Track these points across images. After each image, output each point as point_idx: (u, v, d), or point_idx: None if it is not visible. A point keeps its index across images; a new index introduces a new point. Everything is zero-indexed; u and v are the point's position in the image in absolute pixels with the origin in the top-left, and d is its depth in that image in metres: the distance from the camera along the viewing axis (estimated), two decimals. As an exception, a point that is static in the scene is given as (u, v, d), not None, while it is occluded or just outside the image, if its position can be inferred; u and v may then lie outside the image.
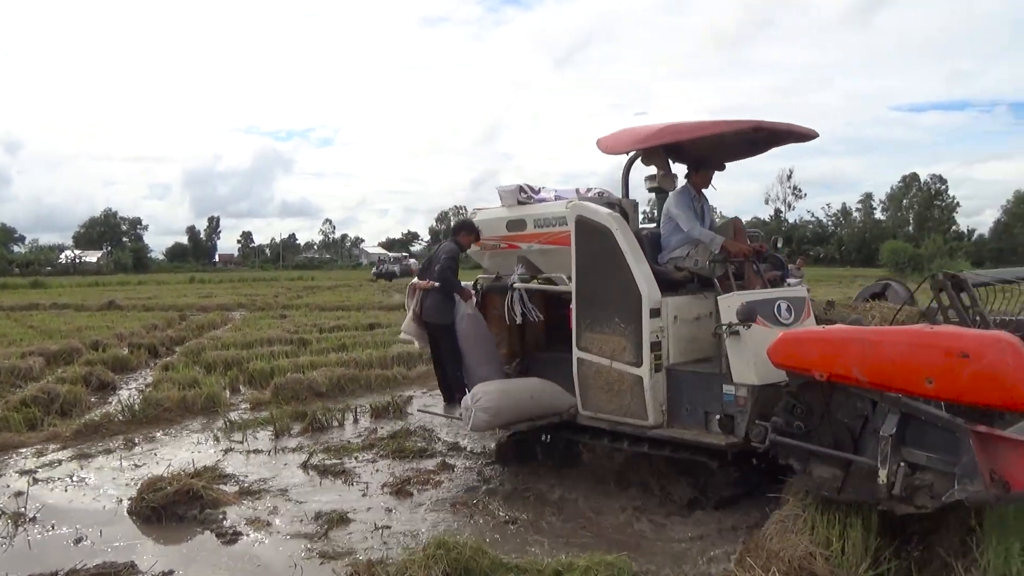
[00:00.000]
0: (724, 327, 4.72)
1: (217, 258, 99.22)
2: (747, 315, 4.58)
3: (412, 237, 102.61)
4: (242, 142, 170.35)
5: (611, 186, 6.19)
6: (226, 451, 7.05)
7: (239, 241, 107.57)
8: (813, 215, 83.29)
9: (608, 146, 5.70)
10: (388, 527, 5.02)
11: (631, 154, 5.77)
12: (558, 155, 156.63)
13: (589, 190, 6.14)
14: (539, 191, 6.45)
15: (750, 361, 4.69)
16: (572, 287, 5.57)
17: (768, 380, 4.70)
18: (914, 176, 78.99)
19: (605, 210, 5.40)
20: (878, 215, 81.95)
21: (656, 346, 5.10)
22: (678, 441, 5.01)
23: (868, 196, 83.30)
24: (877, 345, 3.79)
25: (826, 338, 4.05)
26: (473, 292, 6.27)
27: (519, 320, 6.13)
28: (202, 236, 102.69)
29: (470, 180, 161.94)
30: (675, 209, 5.51)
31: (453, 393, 6.44)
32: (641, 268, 5.16)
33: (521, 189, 6.39)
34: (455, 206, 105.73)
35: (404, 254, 58.44)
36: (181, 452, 7.02)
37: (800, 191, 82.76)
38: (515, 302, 6.13)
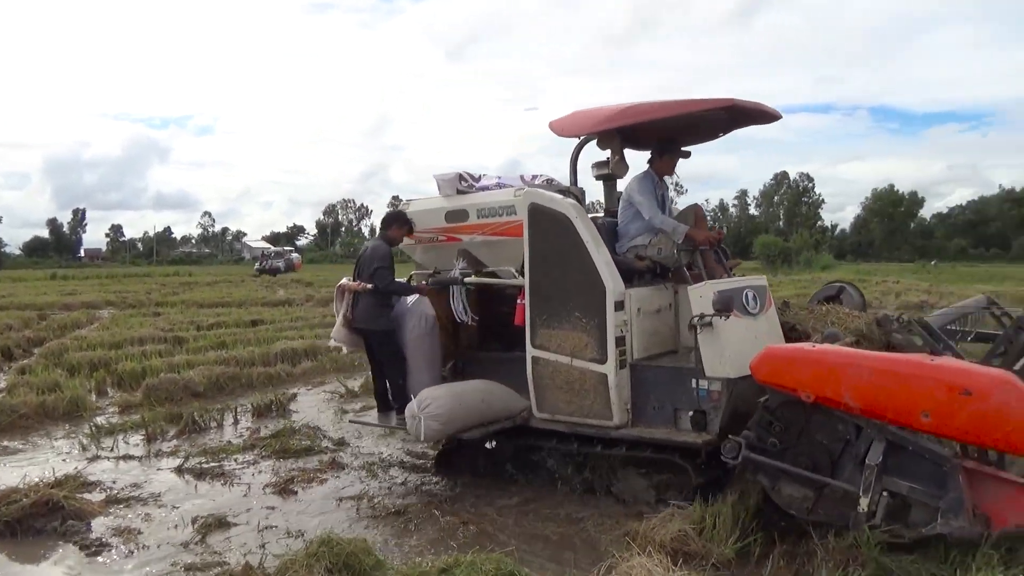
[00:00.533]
0: (697, 319, 4.48)
1: (83, 253, 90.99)
2: (725, 305, 4.36)
3: (298, 231, 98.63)
4: (111, 129, 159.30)
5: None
6: (93, 458, 6.38)
7: (108, 235, 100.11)
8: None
9: (563, 128, 5.35)
10: (271, 527, 4.75)
11: (582, 138, 5.45)
12: (448, 148, 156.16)
13: (535, 177, 5.77)
14: (479, 178, 6.01)
15: (725, 353, 4.48)
16: (525, 281, 5.18)
17: (743, 373, 4.50)
18: (784, 174, 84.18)
19: (562, 197, 5.05)
20: (752, 211, 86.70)
21: (620, 341, 4.81)
22: (648, 441, 4.73)
23: (743, 192, 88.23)
24: (874, 372, 3.63)
25: (819, 359, 3.84)
26: (427, 287, 5.76)
27: (467, 319, 5.69)
28: (65, 229, 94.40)
29: (359, 172, 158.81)
30: (638, 195, 5.23)
31: (390, 401, 5.91)
32: (603, 258, 4.85)
33: (461, 177, 5.91)
34: (343, 199, 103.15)
35: (289, 248, 55.68)
36: (40, 461, 6.28)
37: (682, 187, 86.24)
38: (459, 299, 5.69)
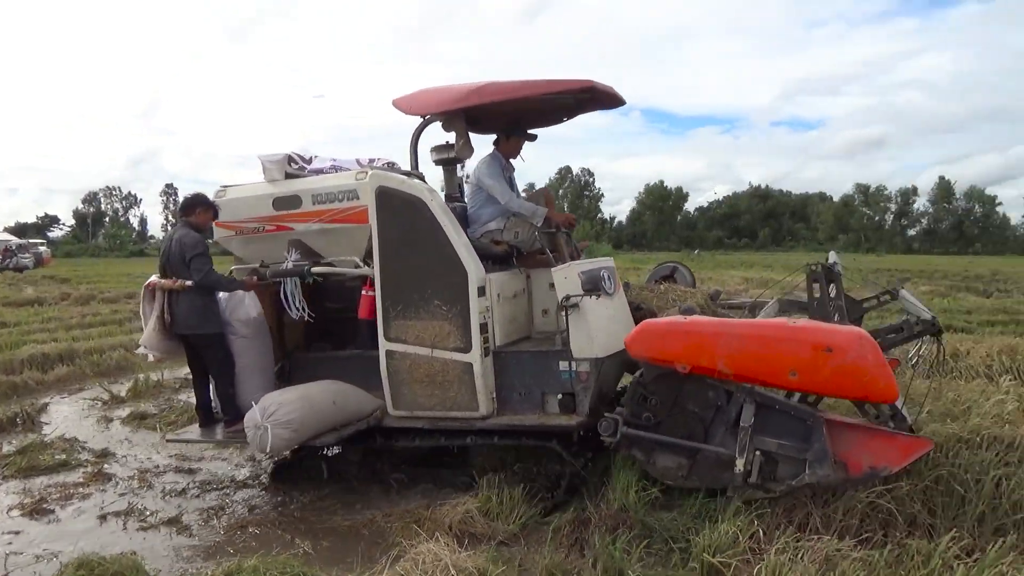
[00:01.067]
0: (564, 300, 4.40)
1: None
2: (594, 284, 4.33)
3: (51, 221, 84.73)
4: None
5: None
6: None
7: None
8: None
9: (412, 106, 4.99)
10: (16, 554, 4.22)
11: (426, 119, 5.14)
12: (229, 134, 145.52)
13: (372, 160, 5.38)
14: (311, 160, 5.47)
15: (591, 333, 4.45)
16: (375, 271, 4.80)
17: (609, 351, 4.51)
18: (568, 168, 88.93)
19: (415, 180, 4.73)
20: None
21: (484, 328, 4.60)
22: (520, 430, 4.57)
23: (531, 186, 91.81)
24: (744, 339, 3.80)
25: (692, 331, 3.96)
26: (254, 281, 5.13)
27: (304, 315, 5.16)
28: None
29: (127, 157, 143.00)
30: (488, 179, 5.03)
31: (214, 414, 5.24)
32: (463, 242, 4.61)
33: (291, 159, 5.34)
34: (107, 186, 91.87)
35: (38, 241, 47.96)
36: None
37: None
38: (293, 294, 5.15)
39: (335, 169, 5.34)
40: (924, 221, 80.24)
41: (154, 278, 5.04)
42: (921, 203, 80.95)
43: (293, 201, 5.16)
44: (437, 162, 5.66)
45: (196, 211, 5.14)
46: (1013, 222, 78.70)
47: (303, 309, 5.15)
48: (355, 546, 4.12)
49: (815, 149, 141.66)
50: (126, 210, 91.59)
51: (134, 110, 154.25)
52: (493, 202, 5.06)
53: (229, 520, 4.67)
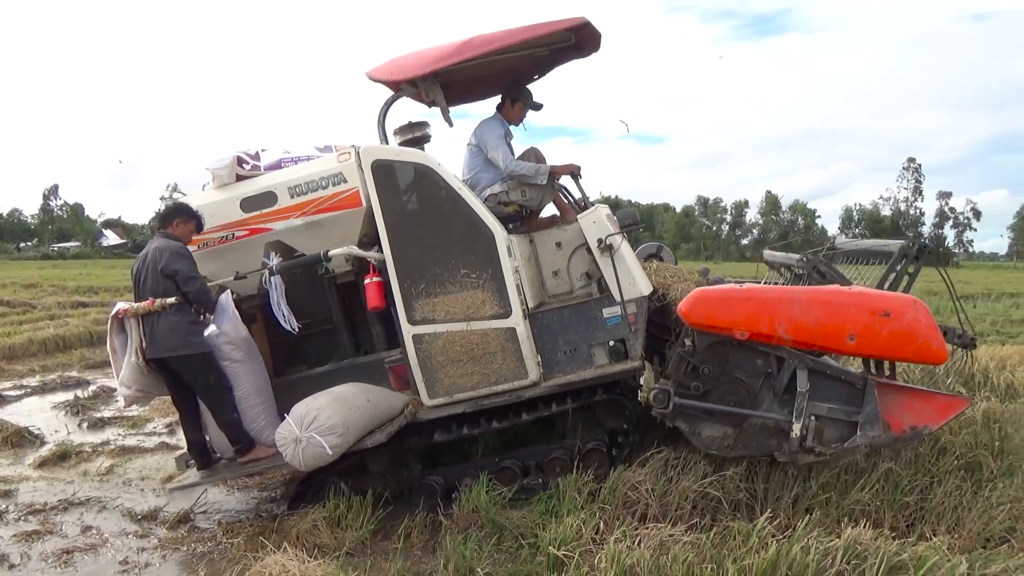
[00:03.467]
0: (601, 241, 4.28)
1: None
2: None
3: None
4: None
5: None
6: None
7: None
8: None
9: (391, 73, 4.60)
10: None
11: (399, 90, 4.81)
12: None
13: (327, 147, 4.96)
14: (258, 155, 4.94)
15: (633, 272, 4.36)
16: (384, 253, 4.41)
17: (651, 289, 4.43)
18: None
19: (414, 149, 4.42)
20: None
21: (519, 289, 4.36)
22: (579, 387, 4.35)
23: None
24: (805, 304, 3.85)
25: (752, 297, 3.97)
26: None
27: (293, 326, 4.60)
28: None
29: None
30: (492, 141, 4.74)
31: (211, 451, 4.56)
32: (480, 204, 4.35)
33: (240, 160, 4.81)
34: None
35: None
36: None
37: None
38: (280, 301, 4.59)
39: (294, 161, 4.88)
40: (755, 232, 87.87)
41: (122, 305, 4.30)
42: (752, 215, 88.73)
43: (266, 199, 4.64)
44: (403, 143, 5.32)
45: (175, 222, 4.48)
46: (831, 232, 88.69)
47: (291, 318, 4.59)
48: (196, 566, 4.01)
49: (662, 162, 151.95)
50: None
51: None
52: (492, 166, 4.82)
53: (60, 544, 4.39)
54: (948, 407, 3.88)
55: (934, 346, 3.75)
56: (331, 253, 4.35)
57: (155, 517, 4.65)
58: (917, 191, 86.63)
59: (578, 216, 4.47)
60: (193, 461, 4.75)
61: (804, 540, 3.29)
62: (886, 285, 4.40)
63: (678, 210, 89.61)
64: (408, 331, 4.40)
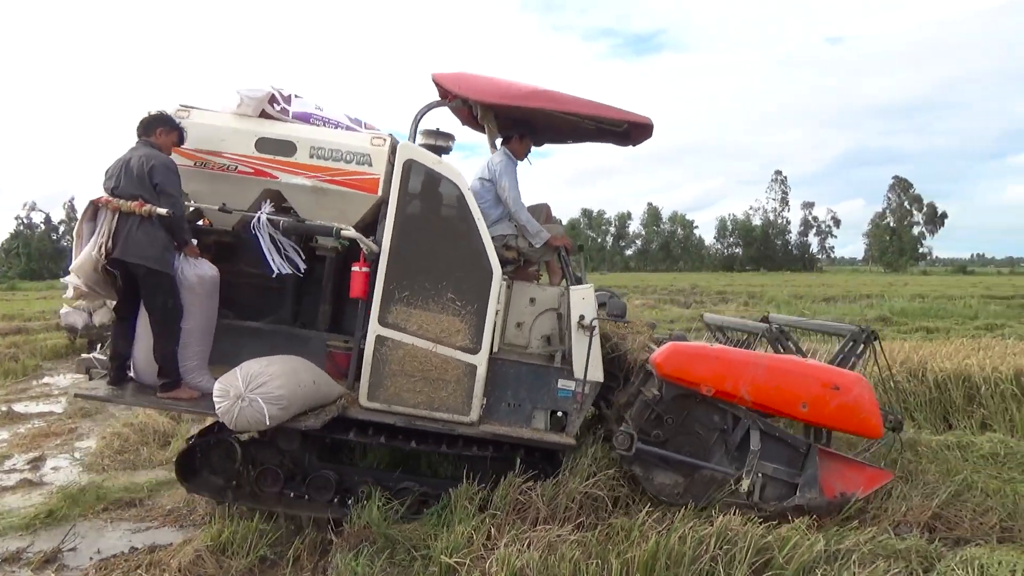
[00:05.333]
0: (587, 321, 4.47)
1: None
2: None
3: None
4: None
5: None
6: None
7: None
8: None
9: (458, 86, 4.63)
10: None
11: (461, 102, 4.85)
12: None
13: (356, 120, 4.93)
14: (290, 98, 4.83)
15: (595, 358, 4.55)
16: (383, 246, 4.41)
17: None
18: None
19: (450, 163, 4.47)
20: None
21: (494, 331, 4.47)
22: (512, 442, 4.46)
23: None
24: (767, 370, 4.28)
25: (721, 358, 4.32)
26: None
27: (296, 268, 4.49)
28: None
29: None
30: (507, 180, 4.84)
31: (131, 371, 4.33)
32: (489, 240, 4.45)
33: (272, 98, 4.70)
34: None
35: None
36: None
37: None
38: (274, 246, 4.47)
39: (323, 121, 4.81)
40: (638, 243, 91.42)
41: (105, 195, 4.05)
42: (635, 226, 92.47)
43: (285, 147, 4.55)
44: (424, 146, 5.35)
45: (157, 131, 4.30)
46: (707, 243, 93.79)
47: (283, 262, 4.46)
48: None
49: (546, 176, 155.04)
50: None
51: None
52: (500, 204, 4.93)
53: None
54: (875, 478, 4.37)
55: (873, 421, 4.24)
56: (343, 233, 4.30)
57: (18, 559, 4.12)
58: (784, 202, 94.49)
59: (571, 287, 4.64)
60: (97, 369, 4.50)
61: (681, 530, 3.60)
62: (837, 361, 4.83)
63: (564, 222, 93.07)
64: (374, 329, 4.39)
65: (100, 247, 3.96)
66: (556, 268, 5.21)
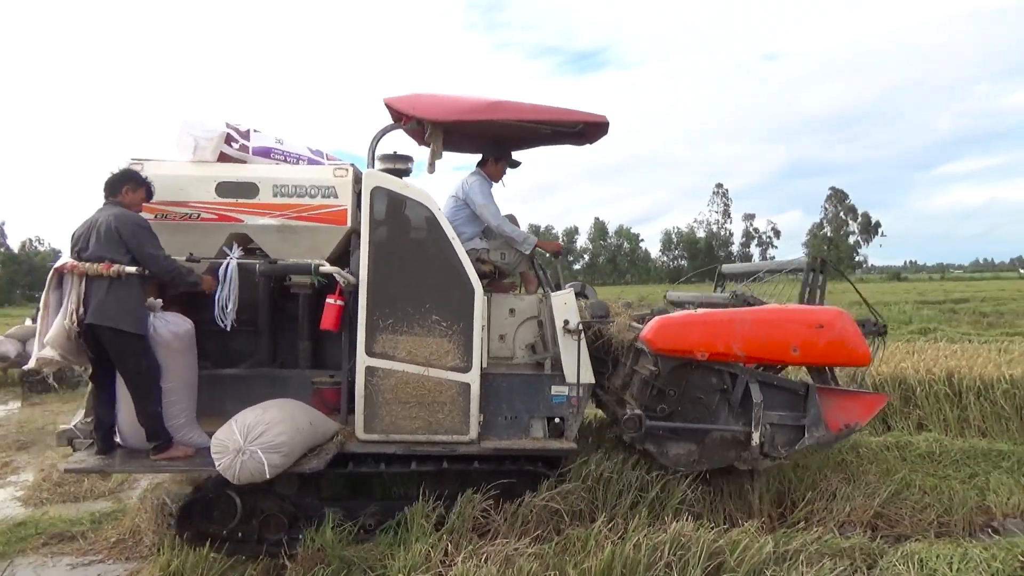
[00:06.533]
0: (574, 325, 4.51)
1: None
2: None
3: None
4: None
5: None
6: None
7: None
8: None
9: (412, 107, 4.60)
10: None
11: (408, 124, 4.82)
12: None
13: (317, 152, 4.90)
14: (247, 133, 4.73)
15: (584, 360, 4.60)
16: (360, 278, 4.37)
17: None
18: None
19: (418, 186, 4.45)
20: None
21: (483, 347, 4.48)
22: (516, 454, 4.46)
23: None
24: (752, 324, 4.40)
25: (708, 321, 4.44)
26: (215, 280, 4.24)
27: (227, 323, 4.36)
28: None
29: None
30: (480, 198, 4.88)
31: (116, 439, 4.20)
32: (466, 257, 4.45)
33: (229, 138, 4.60)
34: None
35: None
36: None
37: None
38: (231, 293, 4.37)
39: (284, 156, 4.75)
40: (586, 256, 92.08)
41: (68, 260, 3.91)
42: (582, 240, 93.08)
43: (247, 189, 4.48)
44: (383, 171, 5.30)
45: (124, 189, 4.18)
46: (653, 255, 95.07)
47: (229, 314, 4.36)
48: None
49: (501, 192, 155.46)
50: None
51: None
52: (475, 221, 4.95)
53: None
54: (872, 404, 4.54)
55: (861, 350, 4.40)
56: (322, 269, 4.24)
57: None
58: (726, 214, 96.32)
59: (552, 294, 4.68)
60: (80, 439, 4.34)
61: (635, 538, 3.68)
62: (805, 299, 4.97)
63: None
64: (363, 361, 4.35)
65: (71, 314, 3.82)
66: (531, 277, 5.25)
